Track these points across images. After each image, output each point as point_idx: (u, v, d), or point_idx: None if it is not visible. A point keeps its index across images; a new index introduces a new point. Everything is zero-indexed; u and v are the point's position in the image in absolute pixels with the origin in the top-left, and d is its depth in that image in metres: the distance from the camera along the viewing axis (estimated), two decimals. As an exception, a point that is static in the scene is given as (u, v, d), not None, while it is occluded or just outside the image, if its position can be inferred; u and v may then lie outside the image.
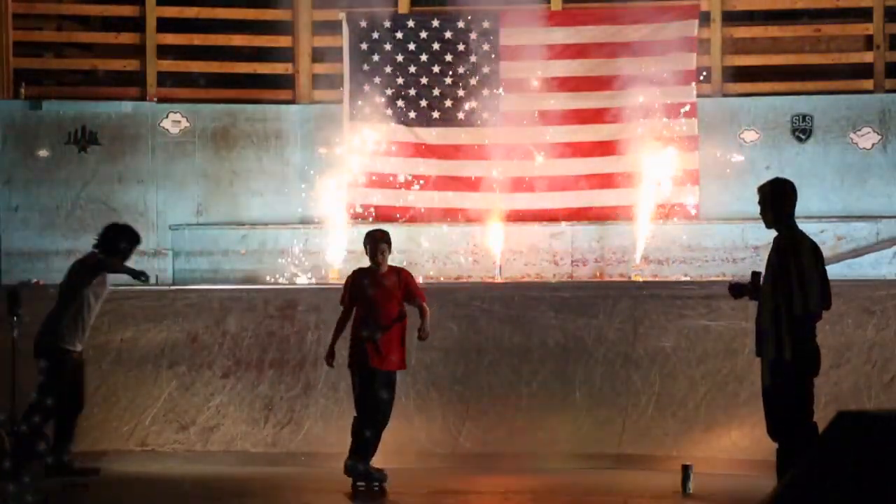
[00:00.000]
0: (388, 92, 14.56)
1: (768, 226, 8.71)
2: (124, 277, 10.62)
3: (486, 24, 14.66)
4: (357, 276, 10.67)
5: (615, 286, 12.95)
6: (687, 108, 14.36)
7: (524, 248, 14.24)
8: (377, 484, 10.11)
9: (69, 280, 10.91)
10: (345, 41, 14.82)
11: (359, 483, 10.10)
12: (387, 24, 14.69)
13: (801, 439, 8.04)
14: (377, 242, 10.60)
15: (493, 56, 14.62)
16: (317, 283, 13.88)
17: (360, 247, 14.14)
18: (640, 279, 13.48)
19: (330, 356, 10.57)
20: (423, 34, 14.68)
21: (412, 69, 14.61)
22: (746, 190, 14.40)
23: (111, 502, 10.15)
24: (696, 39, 14.55)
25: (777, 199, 8.55)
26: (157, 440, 11.88)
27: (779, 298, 8.34)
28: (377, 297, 10.42)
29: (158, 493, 10.34)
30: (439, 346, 12.08)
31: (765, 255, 13.84)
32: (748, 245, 14.07)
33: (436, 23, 14.73)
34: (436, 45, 14.67)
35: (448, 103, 14.61)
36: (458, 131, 14.57)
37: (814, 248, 8.53)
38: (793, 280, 8.33)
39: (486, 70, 14.61)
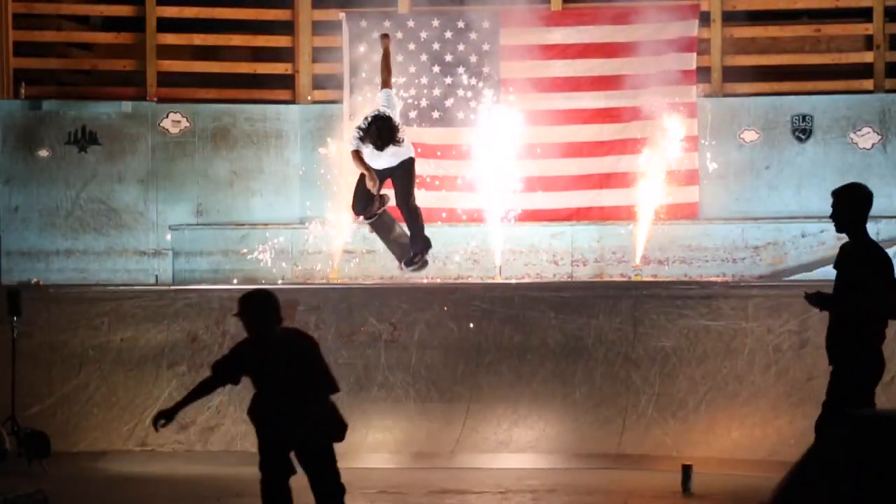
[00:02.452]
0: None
1: (837, 230, 8.65)
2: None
3: (486, 24, 14.66)
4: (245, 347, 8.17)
5: (615, 286, 12.96)
6: (687, 108, 14.36)
7: (524, 248, 14.25)
8: None
9: None
10: (345, 41, 14.82)
11: None
12: (387, 24, 14.69)
13: None
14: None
15: (493, 56, 14.62)
16: (317, 283, 13.89)
17: (360, 247, 14.28)
18: (640, 279, 13.48)
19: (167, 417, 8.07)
20: (423, 34, 14.68)
21: (412, 69, 14.61)
22: (746, 190, 14.50)
23: (111, 502, 10.15)
24: (696, 39, 14.55)
25: (842, 204, 8.48)
26: (157, 440, 11.88)
27: (845, 306, 8.26)
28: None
29: (158, 493, 10.34)
30: (439, 346, 12.09)
31: (764, 255, 14.07)
32: (748, 245, 14.08)
33: (436, 23, 14.74)
34: (436, 45, 14.67)
35: (448, 103, 14.61)
36: (458, 131, 14.57)
37: (882, 255, 8.40)
38: (860, 287, 8.24)
39: (486, 70, 14.61)
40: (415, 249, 12.07)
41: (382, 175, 11.82)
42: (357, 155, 11.69)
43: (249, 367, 8.09)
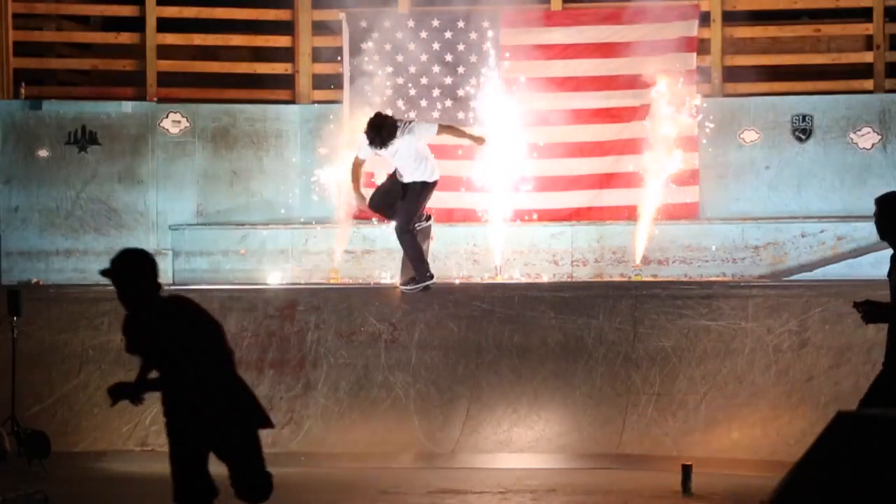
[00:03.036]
0: (389, 92, 14.55)
1: (879, 237, 8.64)
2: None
3: (486, 24, 14.66)
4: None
5: (615, 286, 12.96)
6: (686, 107, 14.36)
7: (524, 248, 14.24)
8: None
9: None
10: (345, 41, 14.82)
11: None
12: (387, 24, 14.69)
13: None
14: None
15: (493, 56, 14.61)
16: (317, 283, 13.89)
17: (360, 247, 14.28)
18: (640, 279, 13.48)
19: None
20: (423, 34, 14.68)
21: (412, 69, 14.61)
22: (746, 190, 14.50)
23: (111, 502, 10.15)
24: (696, 39, 14.55)
25: (882, 212, 8.48)
26: (157, 440, 11.86)
27: None
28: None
29: (158, 493, 10.32)
30: (439, 346, 12.09)
31: (764, 255, 14.07)
32: (748, 245, 14.08)
33: (436, 23, 14.73)
34: (436, 45, 14.67)
35: (448, 103, 14.61)
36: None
37: None
38: None
39: (486, 70, 14.60)
40: (414, 275, 12.35)
41: (398, 185, 12.23)
42: (356, 164, 12.37)
43: (142, 350, 6.95)
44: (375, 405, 11.88)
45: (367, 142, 12.12)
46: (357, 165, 12.43)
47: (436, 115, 14.54)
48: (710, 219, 14.34)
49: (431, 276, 12.34)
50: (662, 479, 10.24)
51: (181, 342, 6.82)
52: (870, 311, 8.19)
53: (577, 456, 11.31)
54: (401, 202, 12.23)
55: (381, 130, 11.98)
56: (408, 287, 12.32)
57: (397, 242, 12.45)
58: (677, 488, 9.82)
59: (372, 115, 12.32)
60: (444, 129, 12.61)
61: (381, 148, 12.08)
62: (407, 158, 12.12)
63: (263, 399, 11.85)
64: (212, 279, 14.14)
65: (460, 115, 14.55)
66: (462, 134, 12.90)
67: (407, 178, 12.21)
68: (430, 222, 12.60)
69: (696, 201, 14.38)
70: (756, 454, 10.99)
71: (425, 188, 12.23)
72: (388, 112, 12.77)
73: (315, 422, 11.84)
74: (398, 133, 11.97)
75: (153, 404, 12.01)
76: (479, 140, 12.80)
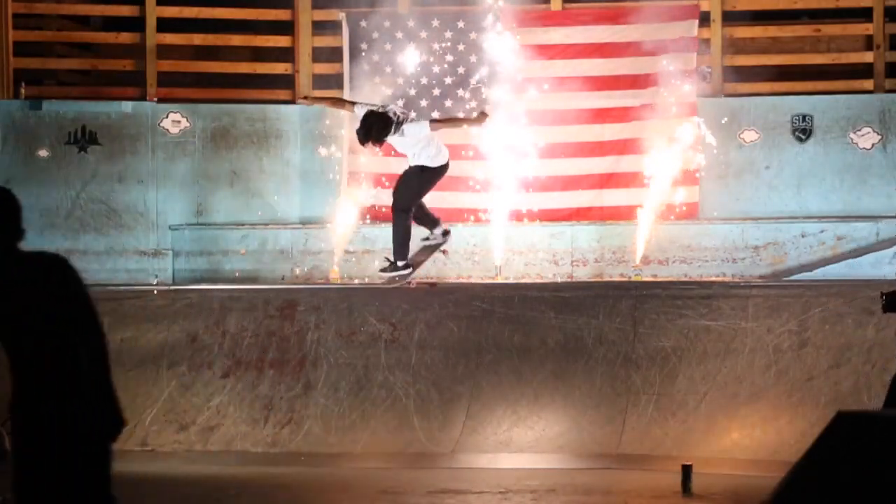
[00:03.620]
0: (388, 92, 14.55)
1: None
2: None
3: (486, 25, 14.66)
4: None
5: (615, 286, 12.95)
6: (687, 108, 14.36)
7: (524, 248, 14.24)
8: None
9: None
10: (345, 41, 14.82)
11: None
12: (387, 24, 14.69)
13: None
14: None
15: (492, 56, 14.61)
16: (317, 283, 13.89)
17: (360, 247, 14.27)
18: (640, 279, 13.48)
19: None
20: (423, 34, 14.67)
21: (412, 69, 14.60)
22: (746, 190, 14.50)
23: (111, 502, 10.13)
24: (696, 39, 14.55)
25: None
26: (157, 440, 11.87)
27: None
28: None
29: (158, 493, 10.34)
30: (439, 346, 12.08)
31: (764, 255, 14.07)
32: (748, 245, 14.08)
33: (436, 23, 14.73)
34: (436, 46, 14.67)
35: (448, 103, 14.60)
36: (458, 131, 14.54)
37: None
38: None
39: (485, 70, 14.60)
40: (394, 258, 12.54)
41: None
42: (345, 103, 13.00)
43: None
44: (375, 405, 11.87)
45: (358, 138, 12.25)
46: (342, 105, 13.13)
47: (435, 114, 14.50)
48: (710, 219, 14.34)
49: (407, 266, 12.45)
50: (662, 479, 10.24)
51: (62, 311, 5.54)
52: (890, 300, 8.21)
53: (577, 456, 11.30)
54: (399, 180, 12.45)
55: (370, 132, 12.13)
56: (385, 271, 12.50)
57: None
58: (677, 488, 9.82)
59: (367, 113, 12.32)
60: (439, 123, 12.64)
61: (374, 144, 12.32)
62: (406, 149, 12.30)
63: (263, 399, 11.98)
64: (212, 279, 14.14)
65: (460, 115, 14.53)
66: (459, 122, 13.20)
67: (411, 162, 12.39)
68: (446, 238, 12.77)
69: (696, 201, 14.38)
70: (756, 454, 10.98)
71: (424, 172, 12.30)
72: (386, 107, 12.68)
73: (315, 422, 11.83)
74: (391, 132, 12.07)
75: (153, 403, 12.09)
76: (479, 119, 12.84)
